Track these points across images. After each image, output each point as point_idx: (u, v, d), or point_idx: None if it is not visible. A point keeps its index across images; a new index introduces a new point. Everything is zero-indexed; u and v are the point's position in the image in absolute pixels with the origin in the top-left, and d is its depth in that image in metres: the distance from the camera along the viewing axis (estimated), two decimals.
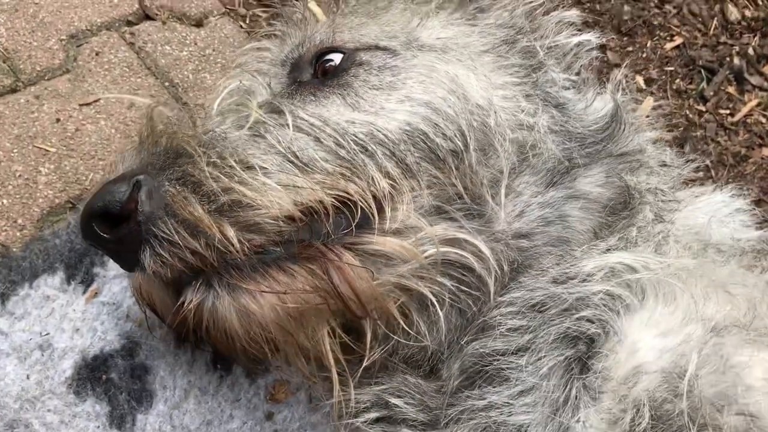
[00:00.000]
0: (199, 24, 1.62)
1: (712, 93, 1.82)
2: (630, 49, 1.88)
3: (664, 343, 0.76)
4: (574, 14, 1.06)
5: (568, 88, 1.00)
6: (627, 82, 1.10)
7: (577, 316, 0.81)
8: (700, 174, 1.08)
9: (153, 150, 0.85)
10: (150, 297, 0.90)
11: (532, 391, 0.81)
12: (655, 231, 0.91)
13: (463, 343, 0.88)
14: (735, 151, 1.73)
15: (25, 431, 1.03)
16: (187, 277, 0.81)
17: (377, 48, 0.93)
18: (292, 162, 0.82)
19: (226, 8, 1.67)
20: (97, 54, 1.51)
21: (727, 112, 1.80)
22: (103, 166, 1.35)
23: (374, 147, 0.84)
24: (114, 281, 1.18)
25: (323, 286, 0.79)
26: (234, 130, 0.85)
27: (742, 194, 0.99)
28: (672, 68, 1.85)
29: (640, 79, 1.80)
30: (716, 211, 0.96)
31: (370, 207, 0.82)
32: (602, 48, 1.66)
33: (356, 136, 0.84)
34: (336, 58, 0.93)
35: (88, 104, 1.42)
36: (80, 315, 1.14)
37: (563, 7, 1.06)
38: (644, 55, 1.86)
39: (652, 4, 1.95)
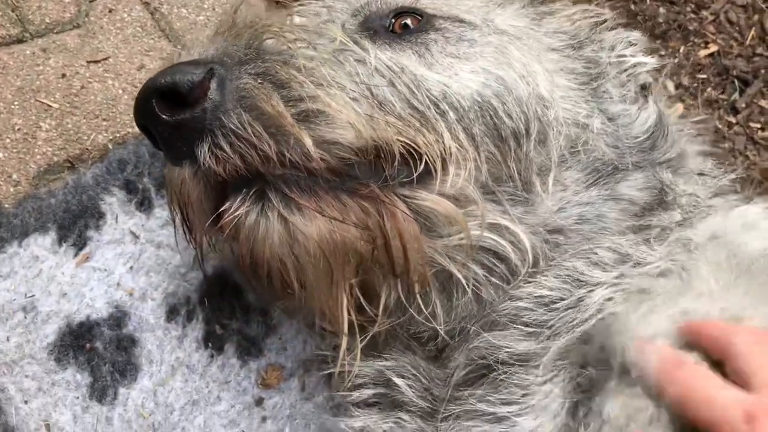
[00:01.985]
0: None
1: (744, 105, 1.75)
2: (662, 53, 1.80)
3: None
4: (638, 35, 1.06)
5: (619, 102, 0.99)
6: (657, 86, 1.08)
7: (586, 345, 0.77)
8: (737, 186, 1.04)
9: (233, 42, 0.80)
10: (188, 198, 0.82)
11: (536, 413, 0.76)
12: (678, 235, 0.87)
13: (472, 332, 0.83)
14: (763, 167, 1.66)
15: (0, 396, 0.98)
16: (237, 182, 0.76)
17: (456, 19, 0.92)
18: (368, 96, 0.77)
19: None
20: (110, 11, 1.44)
21: (759, 125, 1.73)
22: (107, 127, 1.29)
23: (446, 107, 0.81)
24: (107, 246, 1.12)
25: (374, 228, 0.75)
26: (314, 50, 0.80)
27: None
28: (704, 76, 1.78)
29: (670, 85, 1.73)
30: (750, 222, 0.91)
31: (434, 162, 0.78)
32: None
33: (429, 92, 0.81)
34: (413, 20, 0.91)
35: (96, 62, 1.36)
36: (69, 279, 1.08)
37: (628, 27, 1.07)
38: (676, 61, 1.79)
39: (689, 9, 1.88)
